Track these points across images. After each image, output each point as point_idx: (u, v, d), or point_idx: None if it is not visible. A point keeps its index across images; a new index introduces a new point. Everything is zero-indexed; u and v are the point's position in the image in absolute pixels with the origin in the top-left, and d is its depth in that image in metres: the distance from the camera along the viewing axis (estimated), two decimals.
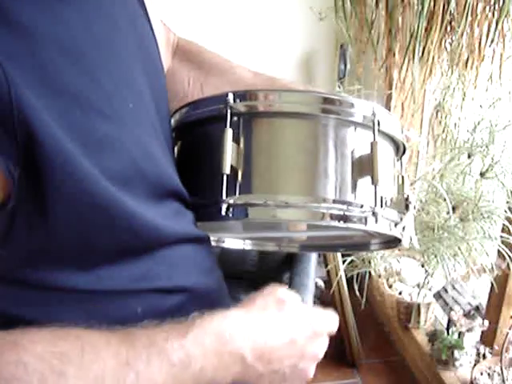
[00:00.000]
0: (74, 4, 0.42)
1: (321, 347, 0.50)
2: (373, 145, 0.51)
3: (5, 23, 0.36)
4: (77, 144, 0.39)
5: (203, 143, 0.55)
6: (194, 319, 0.42)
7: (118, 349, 0.38)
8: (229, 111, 0.49)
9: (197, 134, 0.56)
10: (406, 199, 0.57)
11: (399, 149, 0.59)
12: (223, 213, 0.48)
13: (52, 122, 0.37)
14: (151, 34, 0.57)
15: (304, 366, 0.49)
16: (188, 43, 0.72)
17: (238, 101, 0.50)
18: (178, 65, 0.68)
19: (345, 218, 0.50)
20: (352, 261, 1.67)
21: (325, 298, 1.97)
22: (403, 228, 0.55)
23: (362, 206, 0.51)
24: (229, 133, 0.49)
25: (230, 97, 0.50)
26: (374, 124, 0.52)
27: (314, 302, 1.48)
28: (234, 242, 0.72)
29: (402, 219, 0.55)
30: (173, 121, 0.58)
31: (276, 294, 0.48)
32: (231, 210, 0.49)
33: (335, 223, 0.50)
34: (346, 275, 1.80)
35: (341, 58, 1.86)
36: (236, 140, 0.49)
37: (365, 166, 0.51)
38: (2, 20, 0.36)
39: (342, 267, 1.76)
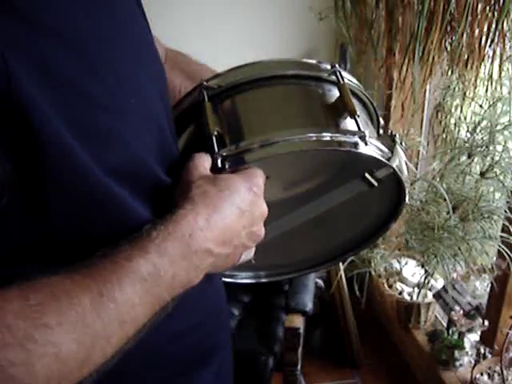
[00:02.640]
0: None
1: (263, 204, 0.51)
2: (340, 86, 0.56)
3: (6, 10, 0.36)
4: (76, 135, 0.38)
5: (191, 128, 0.59)
6: (148, 232, 0.42)
7: (87, 284, 0.38)
8: (204, 91, 0.56)
9: (186, 125, 0.59)
10: (391, 134, 0.59)
11: (366, 105, 0.63)
12: (219, 165, 0.50)
13: (51, 111, 0.37)
14: (150, 33, 0.57)
15: (256, 228, 0.50)
16: (177, 53, 0.75)
17: (209, 82, 0.57)
18: (169, 73, 0.71)
19: (336, 143, 0.53)
20: (352, 261, 1.67)
21: (325, 298, 1.97)
22: (398, 161, 0.56)
23: (348, 133, 0.54)
24: (207, 104, 0.54)
25: (204, 82, 0.57)
26: (336, 73, 0.58)
27: (314, 302, 1.48)
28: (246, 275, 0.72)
29: (392, 153, 0.57)
30: None
31: (202, 173, 0.49)
32: (227, 161, 0.51)
33: (328, 147, 0.53)
34: (345, 275, 1.80)
35: (341, 58, 1.86)
36: (215, 111, 0.54)
37: (339, 106, 0.55)
38: (2, 7, 0.36)
39: (341, 267, 1.76)
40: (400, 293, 1.81)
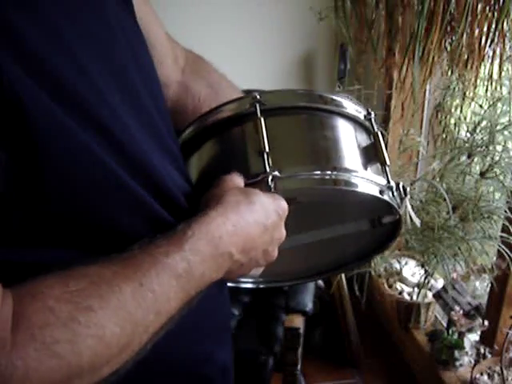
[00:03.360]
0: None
1: (283, 231, 0.54)
2: (375, 134, 0.60)
3: None
4: (70, 116, 0.39)
5: (231, 139, 0.60)
6: (184, 231, 0.44)
7: (127, 274, 0.40)
8: (257, 104, 0.56)
9: (225, 132, 0.60)
10: (403, 188, 0.62)
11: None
12: (270, 184, 0.52)
13: (44, 95, 0.37)
14: (142, 37, 0.57)
15: (272, 249, 0.53)
16: (198, 59, 0.75)
17: (261, 96, 0.58)
18: (190, 79, 0.71)
19: (352, 184, 0.56)
20: None
21: (325, 298, 1.97)
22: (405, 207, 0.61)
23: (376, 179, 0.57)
24: (262, 120, 0.55)
25: (257, 94, 0.58)
26: (371, 120, 0.61)
27: (314, 302, 1.48)
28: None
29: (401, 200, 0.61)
30: (191, 129, 0.61)
31: (238, 185, 0.51)
32: (269, 180, 0.53)
33: (363, 191, 0.56)
34: (345, 275, 1.80)
35: (341, 58, 1.86)
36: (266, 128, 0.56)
37: (371, 152, 0.59)
38: None
39: None
40: (400, 293, 1.81)
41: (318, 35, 1.91)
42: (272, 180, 0.52)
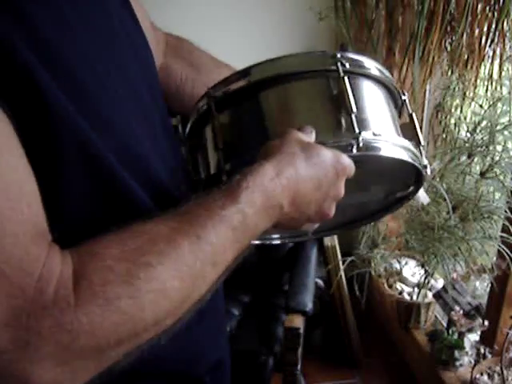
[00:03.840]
0: None
1: (341, 189, 0.52)
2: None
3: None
4: (72, 103, 0.39)
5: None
6: (239, 183, 0.44)
7: (184, 228, 0.41)
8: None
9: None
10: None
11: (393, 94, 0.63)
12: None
13: (55, 84, 0.38)
14: (141, 31, 0.57)
15: (326, 206, 0.52)
16: (178, 40, 0.75)
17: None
18: (171, 61, 0.71)
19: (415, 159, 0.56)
20: (352, 261, 1.67)
21: (325, 298, 1.97)
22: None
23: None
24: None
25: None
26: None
27: (314, 302, 1.48)
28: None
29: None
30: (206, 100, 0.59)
31: (298, 138, 0.50)
32: None
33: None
34: (345, 275, 1.80)
35: None
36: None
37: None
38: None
39: (341, 267, 1.76)
40: (400, 293, 1.81)
41: (318, 35, 1.91)
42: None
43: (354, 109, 0.53)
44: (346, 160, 0.51)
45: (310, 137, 0.51)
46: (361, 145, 0.52)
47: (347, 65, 0.55)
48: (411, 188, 0.66)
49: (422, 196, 0.68)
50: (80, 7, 0.44)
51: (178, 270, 0.40)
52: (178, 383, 0.58)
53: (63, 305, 0.35)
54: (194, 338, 0.58)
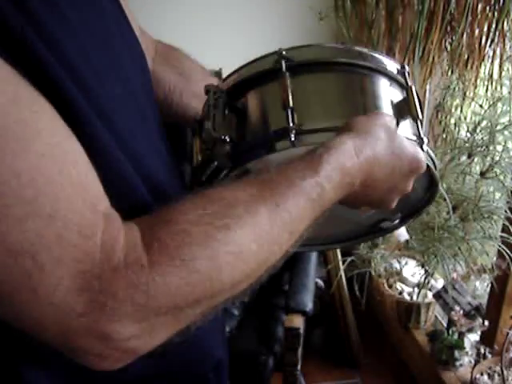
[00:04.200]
0: None
1: (410, 185, 0.53)
2: (407, 89, 0.57)
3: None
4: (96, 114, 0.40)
5: (259, 96, 0.59)
6: (321, 156, 0.46)
7: (263, 196, 0.42)
8: (283, 61, 0.57)
9: (252, 91, 0.59)
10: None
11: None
12: (293, 139, 0.51)
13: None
14: (134, 32, 0.58)
15: (391, 197, 0.53)
16: (168, 48, 0.75)
17: (287, 52, 0.59)
18: (160, 68, 0.71)
19: None
20: (352, 261, 1.67)
21: (325, 298, 1.97)
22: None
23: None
24: (287, 75, 0.55)
25: (282, 50, 0.58)
26: (404, 74, 0.59)
27: (314, 302, 1.48)
28: None
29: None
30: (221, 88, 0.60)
31: (386, 123, 0.51)
32: (299, 136, 0.52)
33: None
34: (345, 275, 1.80)
35: None
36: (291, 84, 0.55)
37: (404, 108, 0.56)
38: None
39: (341, 267, 1.76)
40: (400, 293, 1.81)
41: (318, 35, 1.91)
42: (295, 134, 0.51)
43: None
44: (423, 159, 0.52)
45: (393, 122, 0.53)
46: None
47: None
48: (399, 215, 0.67)
49: (402, 233, 0.69)
50: (79, 7, 0.44)
51: (255, 235, 0.41)
52: (184, 382, 0.58)
53: (136, 267, 0.36)
54: (200, 336, 0.58)
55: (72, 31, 0.41)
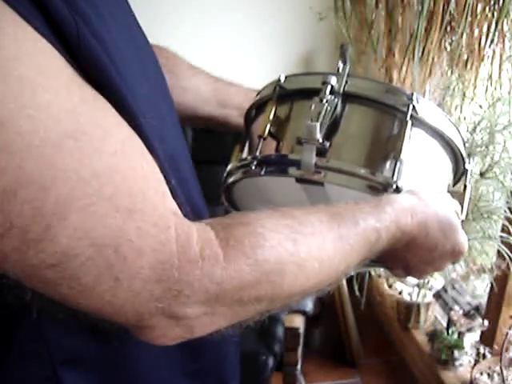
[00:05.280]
0: None
1: (444, 266, 0.56)
2: (403, 125, 0.54)
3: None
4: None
5: (298, 111, 0.58)
6: (384, 204, 0.49)
7: (331, 225, 0.45)
8: (329, 87, 0.54)
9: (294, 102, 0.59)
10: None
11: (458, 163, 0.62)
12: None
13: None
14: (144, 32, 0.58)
15: (425, 269, 0.55)
16: (155, 47, 0.76)
17: (336, 83, 0.55)
18: None
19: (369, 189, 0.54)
20: None
21: (325, 298, 1.97)
22: None
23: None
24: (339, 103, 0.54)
25: (333, 80, 0.55)
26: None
27: (314, 302, 1.48)
28: None
29: None
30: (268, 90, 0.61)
31: (449, 205, 0.55)
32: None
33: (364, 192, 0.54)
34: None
35: (341, 58, 1.86)
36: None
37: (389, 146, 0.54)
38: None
39: None
40: (400, 293, 1.81)
41: (318, 35, 1.91)
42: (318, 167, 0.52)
43: (403, 156, 0.53)
44: (465, 250, 0.55)
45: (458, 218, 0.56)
46: (390, 191, 0.52)
47: (419, 112, 0.54)
48: None
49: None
50: (110, 3, 0.44)
51: (319, 255, 0.43)
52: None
53: (212, 260, 0.38)
54: (218, 360, 0.62)
55: (106, 25, 0.41)
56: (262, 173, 0.55)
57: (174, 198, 0.44)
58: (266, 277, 0.40)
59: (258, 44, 1.88)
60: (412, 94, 0.55)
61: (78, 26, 0.36)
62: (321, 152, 0.52)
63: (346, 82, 0.55)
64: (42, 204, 0.33)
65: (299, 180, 0.54)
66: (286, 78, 0.60)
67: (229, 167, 0.59)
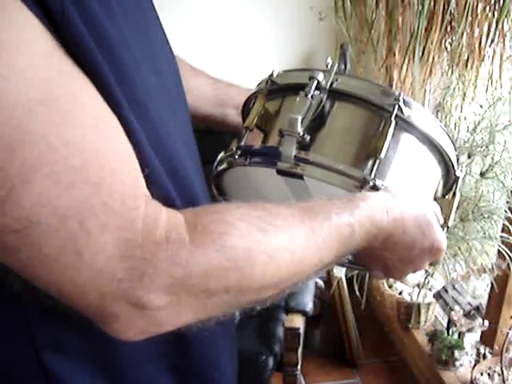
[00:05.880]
0: None
1: (423, 265, 0.55)
2: (386, 120, 0.54)
3: None
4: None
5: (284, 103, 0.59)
6: (358, 200, 0.49)
7: (303, 218, 0.45)
8: (315, 83, 0.55)
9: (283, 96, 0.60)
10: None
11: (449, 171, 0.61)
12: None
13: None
14: (163, 29, 0.58)
15: (404, 268, 0.55)
16: None
17: (323, 79, 0.56)
18: None
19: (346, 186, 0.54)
20: None
21: (325, 298, 1.97)
22: None
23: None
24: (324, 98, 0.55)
25: (320, 76, 0.55)
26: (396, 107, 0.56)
27: (314, 302, 1.48)
28: None
29: None
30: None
31: (427, 205, 0.54)
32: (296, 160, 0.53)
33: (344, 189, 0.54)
34: (346, 275, 1.80)
35: (341, 57, 1.86)
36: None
37: (371, 145, 0.54)
38: None
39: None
40: (400, 293, 1.81)
41: (318, 35, 1.90)
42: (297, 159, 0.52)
43: (382, 155, 0.53)
44: (444, 247, 0.54)
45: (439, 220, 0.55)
46: (366, 190, 0.52)
47: (405, 112, 0.54)
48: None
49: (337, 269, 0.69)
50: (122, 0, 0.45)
51: (290, 247, 0.43)
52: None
53: (178, 244, 0.38)
54: (211, 341, 0.59)
55: (113, 16, 0.41)
56: (246, 163, 0.55)
57: (163, 188, 0.44)
58: (233, 264, 0.40)
59: (258, 44, 1.88)
60: (399, 94, 0.55)
61: (64, 3, 0.36)
62: (303, 146, 0.53)
63: (337, 79, 0.56)
64: (8, 165, 0.33)
65: (279, 172, 0.55)
66: (278, 73, 0.61)
67: (218, 157, 0.60)
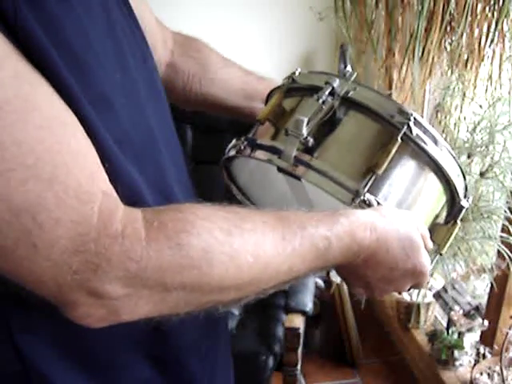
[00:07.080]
0: None
1: (405, 287, 0.55)
2: (393, 142, 0.54)
3: None
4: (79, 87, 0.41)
5: (295, 104, 0.59)
6: (339, 215, 0.48)
7: (275, 225, 0.45)
8: (329, 88, 0.55)
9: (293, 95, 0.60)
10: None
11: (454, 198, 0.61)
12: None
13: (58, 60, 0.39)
14: (141, 29, 0.58)
15: (385, 288, 0.55)
16: (187, 39, 0.77)
17: (339, 86, 0.56)
18: (178, 59, 0.74)
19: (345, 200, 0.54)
20: None
21: (325, 298, 1.97)
22: None
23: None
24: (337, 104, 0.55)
25: (336, 82, 0.56)
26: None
27: (314, 302, 1.48)
28: None
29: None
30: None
31: (414, 226, 0.53)
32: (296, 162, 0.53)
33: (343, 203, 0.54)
34: None
35: (341, 57, 1.86)
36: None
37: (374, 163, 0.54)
38: None
39: None
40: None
41: (318, 35, 1.90)
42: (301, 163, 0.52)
43: (380, 172, 0.53)
44: (428, 273, 0.54)
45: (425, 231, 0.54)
46: (356, 202, 0.52)
47: (414, 132, 0.54)
48: None
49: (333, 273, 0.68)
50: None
51: (255, 250, 0.43)
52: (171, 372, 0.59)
53: (133, 238, 0.39)
54: (194, 334, 0.59)
55: (72, 12, 0.42)
56: (250, 155, 0.56)
57: (130, 183, 0.45)
58: (189, 262, 0.40)
59: (258, 44, 1.88)
60: (411, 114, 0.54)
61: (16, 3, 0.36)
62: (307, 149, 0.53)
63: (355, 88, 0.55)
64: None
65: (279, 169, 0.55)
66: (301, 72, 0.62)
67: (231, 143, 0.61)
